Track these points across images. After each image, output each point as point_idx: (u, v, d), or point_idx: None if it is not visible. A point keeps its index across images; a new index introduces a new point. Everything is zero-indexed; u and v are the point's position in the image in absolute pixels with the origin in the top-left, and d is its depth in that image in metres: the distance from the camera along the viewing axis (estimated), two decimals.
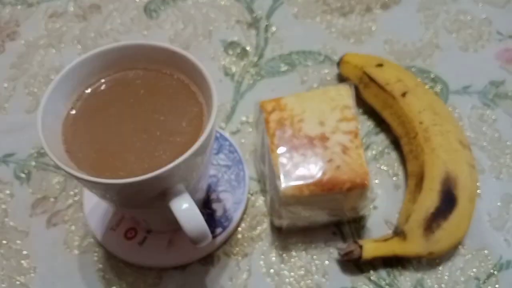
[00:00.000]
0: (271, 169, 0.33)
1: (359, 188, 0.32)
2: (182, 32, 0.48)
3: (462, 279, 0.34)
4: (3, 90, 0.45)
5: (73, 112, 0.30)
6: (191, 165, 0.27)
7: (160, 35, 0.48)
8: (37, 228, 0.37)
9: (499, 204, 0.37)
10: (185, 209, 0.27)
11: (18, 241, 0.37)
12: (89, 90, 0.31)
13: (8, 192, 0.39)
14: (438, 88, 0.43)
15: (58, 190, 0.39)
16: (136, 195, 0.28)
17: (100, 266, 0.35)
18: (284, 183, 0.32)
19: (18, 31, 0.49)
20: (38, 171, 0.40)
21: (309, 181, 0.32)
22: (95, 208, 0.36)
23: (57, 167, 0.35)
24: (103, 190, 0.28)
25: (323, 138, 0.33)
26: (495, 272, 0.34)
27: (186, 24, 0.48)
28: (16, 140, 0.41)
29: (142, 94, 0.30)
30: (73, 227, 0.37)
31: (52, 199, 0.38)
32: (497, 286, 0.34)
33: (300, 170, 0.32)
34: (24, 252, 0.36)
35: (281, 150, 0.33)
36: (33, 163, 0.40)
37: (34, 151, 0.41)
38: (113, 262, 0.35)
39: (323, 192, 0.32)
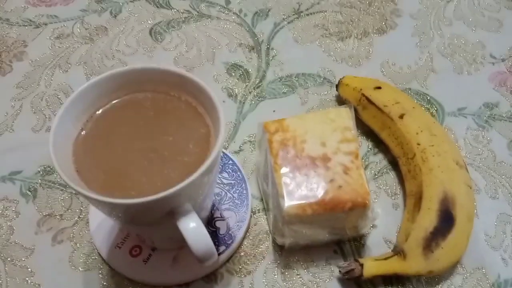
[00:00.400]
0: (275, 188, 0.34)
1: (360, 208, 0.33)
2: (186, 54, 0.49)
3: None
4: (10, 109, 0.45)
5: (84, 133, 0.31)
6: (198, 184, 0.28)
7: (165, 57, 0.49)
8: (43, 246, 0.37)
9: (495, 223, 0.38)
10: (192, 228, 0.28)
11: (24, 259, 0.37)
12: (99, 112, 0.32)
13: (14, 209, 0.39)
14: (434, 110, 0.45)
15: (64, 208, 0.39)
16: (145, 213, 0.29)
17: (105, 283, 0.36)
18: (288, 202, 0.33)
19: (25, 52, 0.50)
20: (44, 189, 0.40)
21: (312, 200, 0.33)
22: (100, 226, 0.37)
23: (67, 186, 0.36)
24: (112, 209, 0.29)
25: (325, 159, 0.34)
26: None
27: (190, 46, 0.50)
28: (22, 158, 0.42)
29: (151, 116, 0.31)
30: (78, 245, 0.37)
31: (57, 217, 0.39)
32: None
33: (303, 190, 0.33)
34: (29, 270, 0.36)
35: (284, 170, 0.34)
36: (39, 181, 0.41)
37: (40, 169, 0.41)
38: (118, 279, 0.36)
39: (326, 211, 0.33)
